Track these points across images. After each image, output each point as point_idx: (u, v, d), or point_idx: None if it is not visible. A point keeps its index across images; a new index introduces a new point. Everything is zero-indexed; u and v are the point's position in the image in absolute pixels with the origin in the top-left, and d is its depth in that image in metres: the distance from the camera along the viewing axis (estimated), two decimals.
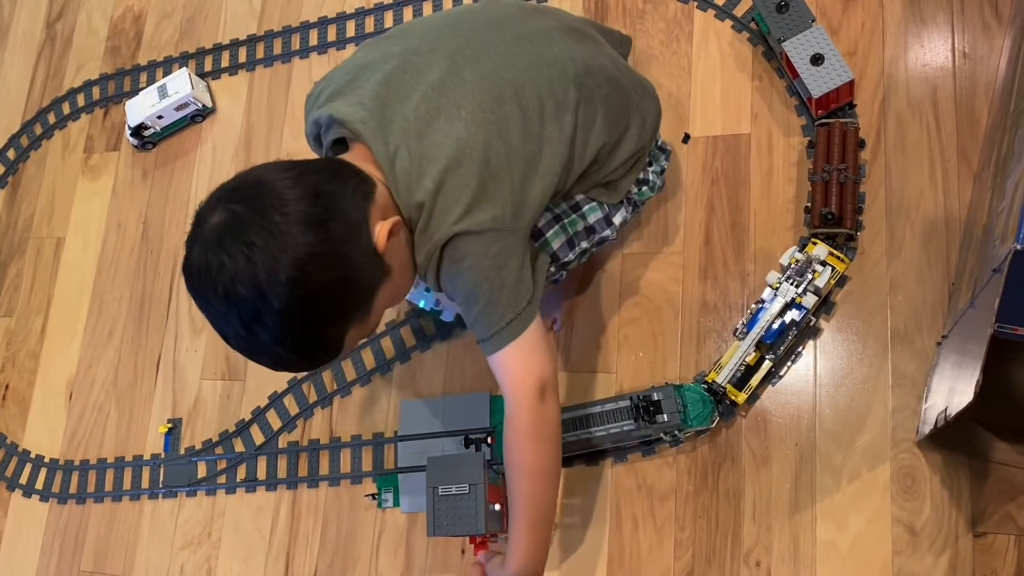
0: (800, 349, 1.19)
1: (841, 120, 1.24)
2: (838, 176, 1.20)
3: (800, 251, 1.19)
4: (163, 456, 1.48)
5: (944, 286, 1.16)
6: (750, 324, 1.18)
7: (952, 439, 1.06)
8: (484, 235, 0.91)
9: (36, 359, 1.64)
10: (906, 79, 1.27)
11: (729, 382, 1.17)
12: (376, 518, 1.32)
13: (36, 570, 1.50)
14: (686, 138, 1.33)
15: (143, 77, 1.76)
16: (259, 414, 1.44)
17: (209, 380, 1.49)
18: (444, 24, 1.04)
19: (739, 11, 1.38)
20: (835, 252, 1.19)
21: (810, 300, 1.16)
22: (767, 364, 1.17)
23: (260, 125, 1.63)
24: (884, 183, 1.23)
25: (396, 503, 1.31)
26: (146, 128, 1.66)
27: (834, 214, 1.18)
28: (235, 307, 0.82)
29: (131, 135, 1.67)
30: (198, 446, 1.46)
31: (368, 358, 1.40)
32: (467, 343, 1.35)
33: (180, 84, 1.64)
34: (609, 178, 1.08)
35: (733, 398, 1.17)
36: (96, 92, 1.79)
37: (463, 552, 1.26)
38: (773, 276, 1.20)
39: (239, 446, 1.44)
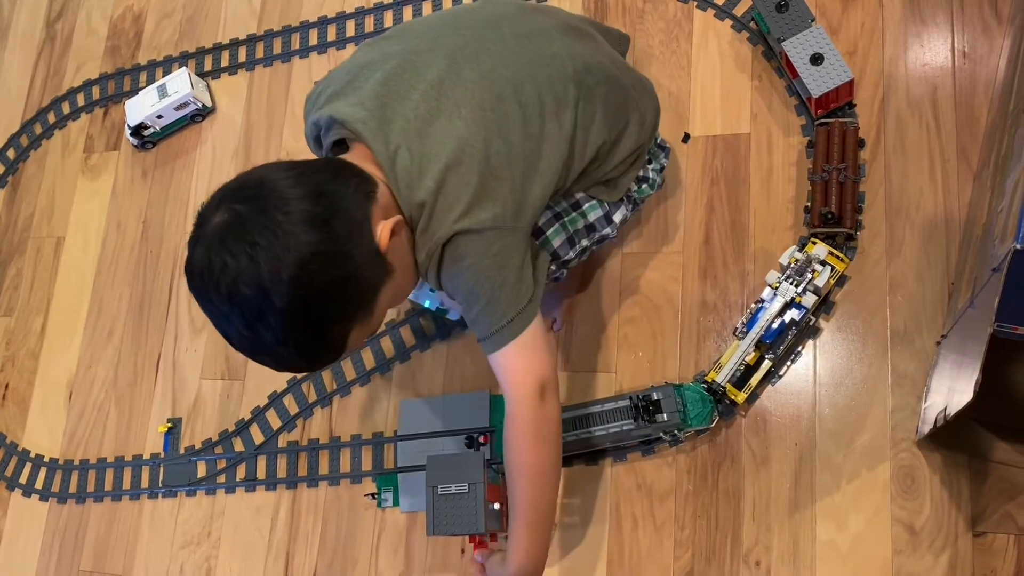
0: (800, 349, 1.20)
1: (841, 120, 1.24)
2: (838, 176, 1.20)
3: (800, 251, 1.19)
4: (163, 456, 1.48)
5: (944, 286, 1.16)
6: (750, 324, 1.18)
7: (952, 439, 1.06)
8: (485, 234, 0.91)
9: (36, 359, 1.64)
10: (906, 79, 1.27)
11: (729, 381, 1.17)
12: (376, 518, 1.32)
13: (36, 570, 1.50)
14: (686, 138, 1.34)
15: (143, 77, 1.76)
16: (259, 414, 1.44)
17: (209, 380, 1.50)
18: (443, 23, 1.05)
19: (739, 11, 1.38)
20: (835, 252, 1.19)
21: (810, 300, 1.16)
22: (767, 364, 1.17)
23: (260, 125, 1.63)
24: (884, 183, 1.23)
25: (396, 503, 1.31)
26: (146, 128, 1.66)
27: (834, 214, 1.18)
28: (238, 307, 0.82)
29: (131, 135, 1.67)
30: (198, 446, 1.46)
31: (368, 358, 1.40)
32: (467, 343, 1.35)
33: (180, 84, 1.64)
34: (609, 176, 1.08)
35: (733, 398, 1.17)
36: (96, 92, 1.79)
37: (463, 551, 1.26)
38: (773, 276, 1.20)
39: (239, 446, 1.44)
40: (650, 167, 1.14)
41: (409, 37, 1.01)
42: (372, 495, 1.32)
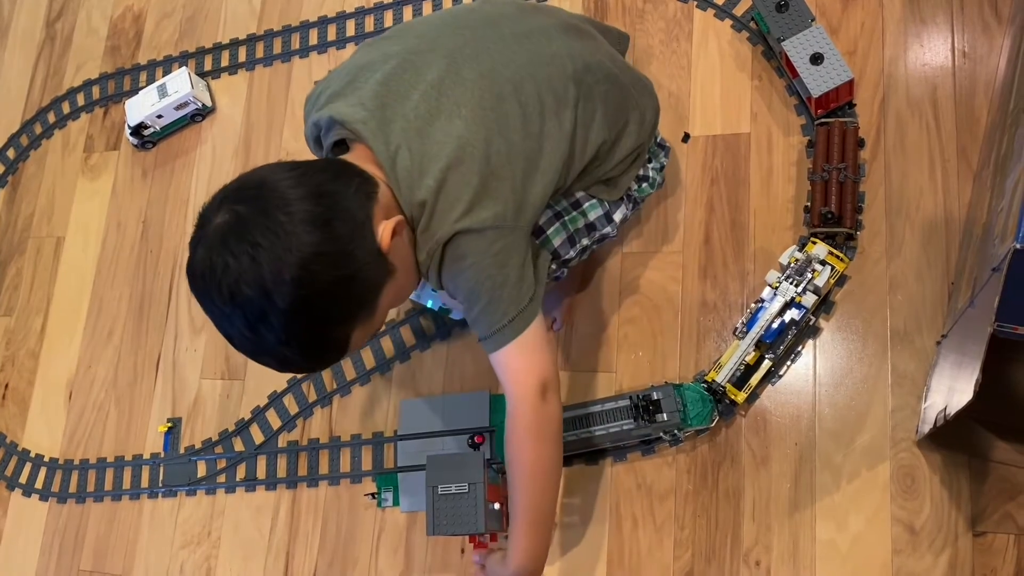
0: (800, 348, 1.20)
1: (841, 119, 1.24)
2: (838, 175, 1.20)
3: (800, 250, 1.19)
4: (163, 455, 1.48)
5: (944, 285, 1.16)
6: (750, 323, 1.18)
7: (952, 438, 1.06)
8: (486, 233, 0.91)
9: (36, 358, 1.64)
10: (906, 78, 1.27)
11: (729, 381, 1.17)
12: (376, 517, 1.32)
13: (36, 569, 1.50)
14: (686, 137, 1.34)
15: (143, 76, 1.76)
16: (259, 413, 1.44)
17: (209, 379, 1.50)
18: (443, 23, 1.05)
19: (739, 10, 1.38)
20: (835, 251, 1.19)
21: (810, 299, 1.16)
22: (767, 363, 1.17)
23: (260, 124, 1.63)
24: (884, 182, 1.23)
25: (396, 502, 1.31)
26: (146, 127, 1.66)
27: (834, 213, 1.18)
28: (240, 308, 0.82)
29: (131, 134, 1.67)
30: (198, 445, 1.46)
31: (368, 357, 1.40)
32: (467, 342, 1.35)
33: (180, 83, 1.64)
34: (609, 175, 1.08)
35: (733, 397, 1.17)
36: (96, 91, 1.79)
37: (463, 551, 1.26)
38: (773, 275, 1.20)
39: (239, 445, 1.44)
40: (650, 166, 1.15)
41: (408, 37, 1.01)
42: (372, 495, 1.32)
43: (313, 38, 1.65)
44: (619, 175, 1.10)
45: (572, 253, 1.07)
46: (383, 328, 1.39)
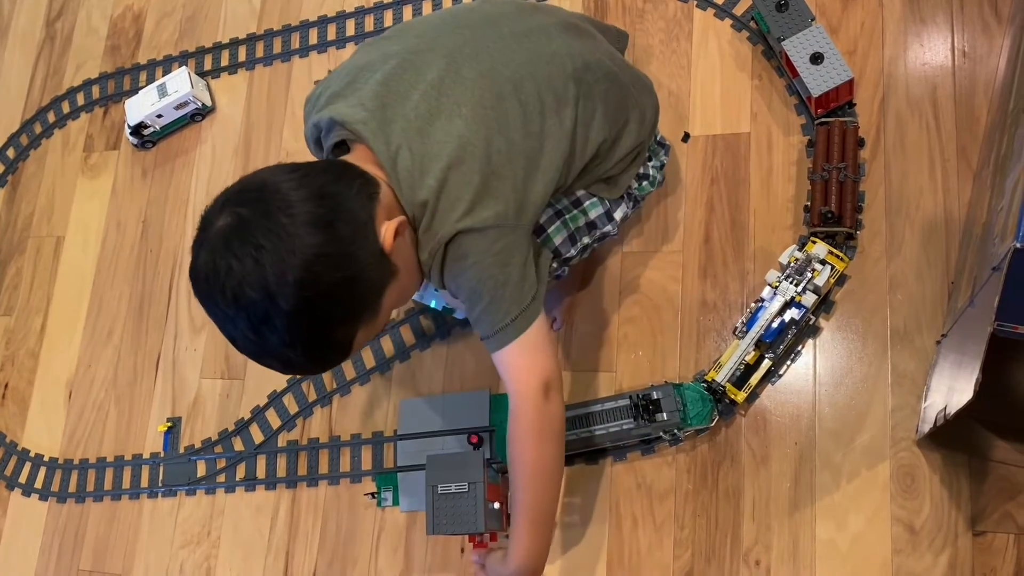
0: (800, 348, 1.20)
1: (841, 119, 1.24)
2: (838, 175, 1.20)
3: (800, 250, 1.20)
4: (162, 455, 1.48)
5: (944, 285, 1.16)
6: (750, 323, 1.18)
7: (952, 438, 1.06)
8: (487, 232, 0.91)
9: (35, 358, 1.64)
10: (906, 78, 1.27)
11: (729, 381, 1.17)
12: (375, 517, 1.32)
13: (35, 569, 1.49)
14: (686, 137, 1.34)
15: (143, 76, 1.76)
16: (258, 413, 1.44)
17: (209, 379, 1.49)
18: (442, 23, 1.05)
19: (739, 10, 1.38)
20: (835, 251, 1.19)
21: (810, 299, 1.16)
22: (766, 363, 1.17)
23: (260, 124, 1.63)
24: (884, 182, 1.23)
25: (395, 502, 1.31)
26: (146, 127, 1.66)
27: (834, 213, 1.18)
28: (244, 310, 0.82)
29: (131, 134, 1.67)
30: (197, 445, 1.46)
31: (368, 357, 1.40)
32: (467, 342, 1.35)
33: (180, 83, 1.64)
34: (609, 173, 1.08)
35: (732, 397, 1.17)
36: (96, 91, 1.79)
37: (462, 551, 1.26)
38: (773, 275, 1.20)
39: (238, 445, 1.44)
40: (650, 164, 1.15)
41: (408, 37, 1.01)
42: (372, 494, 1.32)
43: (313, 38, 1.65)
44: (619, 173, 1.10)
45: (573, 251, 1.07)
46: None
